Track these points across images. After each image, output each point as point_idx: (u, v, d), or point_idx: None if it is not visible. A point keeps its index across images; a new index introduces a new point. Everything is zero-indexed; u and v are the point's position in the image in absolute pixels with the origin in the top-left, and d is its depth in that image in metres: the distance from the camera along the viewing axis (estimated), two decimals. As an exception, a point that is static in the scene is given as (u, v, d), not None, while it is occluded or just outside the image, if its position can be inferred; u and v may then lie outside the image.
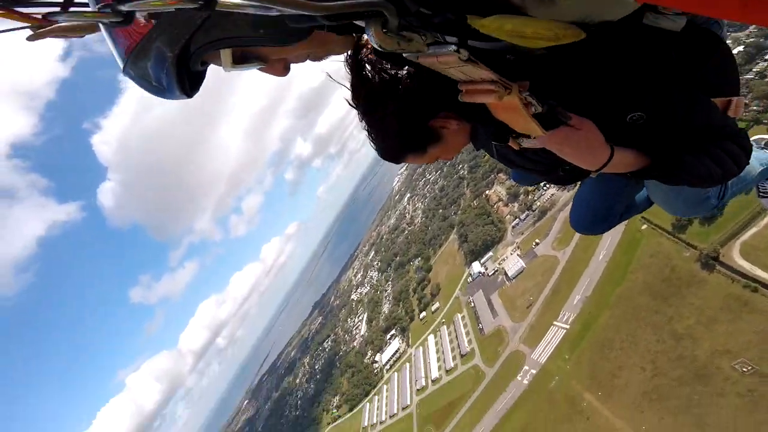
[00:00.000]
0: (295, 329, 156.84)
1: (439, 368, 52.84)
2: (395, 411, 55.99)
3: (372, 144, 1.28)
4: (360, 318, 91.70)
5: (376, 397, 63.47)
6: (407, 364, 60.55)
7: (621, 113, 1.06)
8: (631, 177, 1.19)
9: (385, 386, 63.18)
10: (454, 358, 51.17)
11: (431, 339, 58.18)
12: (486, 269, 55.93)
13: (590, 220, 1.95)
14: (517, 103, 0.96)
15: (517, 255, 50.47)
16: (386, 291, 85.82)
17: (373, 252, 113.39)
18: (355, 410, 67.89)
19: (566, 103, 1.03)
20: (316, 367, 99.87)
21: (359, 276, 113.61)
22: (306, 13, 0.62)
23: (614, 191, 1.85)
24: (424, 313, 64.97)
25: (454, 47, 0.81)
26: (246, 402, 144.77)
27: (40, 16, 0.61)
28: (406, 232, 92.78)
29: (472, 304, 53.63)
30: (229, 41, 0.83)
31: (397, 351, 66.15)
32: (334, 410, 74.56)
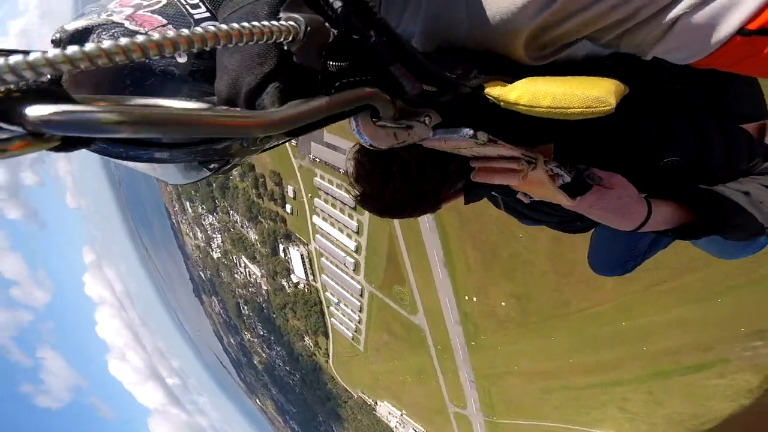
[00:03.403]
0: (208, 324, 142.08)
1: (349, 236, 46.89)
2: (358, 303, 51.50)
3: (367, 208, 1.15)
4: (242, 265, 79.88)
5: (332, 308, 58.29)
6: (323, 258, 53.91)
7: (654, 160, 0.92)
8: (672, 236, 1.04)
9: (329, 294, 57.46)
10: (350, 216, 44.93)
11: (317, 220, 50.79)
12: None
13: (611, 264, 1.77)
14: (542, 177, 0.79)
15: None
16: (236, 221, 72.81)
17: (187, 203, 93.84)
18: (330, 334, 63.24)
19: (589, 154, 0.88)
20: (261, 333, 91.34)
21: (199, 235, 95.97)
22: (248, 136, 0.47)
23: (634, 232, 1.39)
24: (288, 206, 55.70)
25: (469, 131, 0.65)
26: (258, 401, 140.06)
27: None
28: (192, 158, 74.43)
29: (316, 159, 45.65)
30: None
31: (302, 257, 58.54)
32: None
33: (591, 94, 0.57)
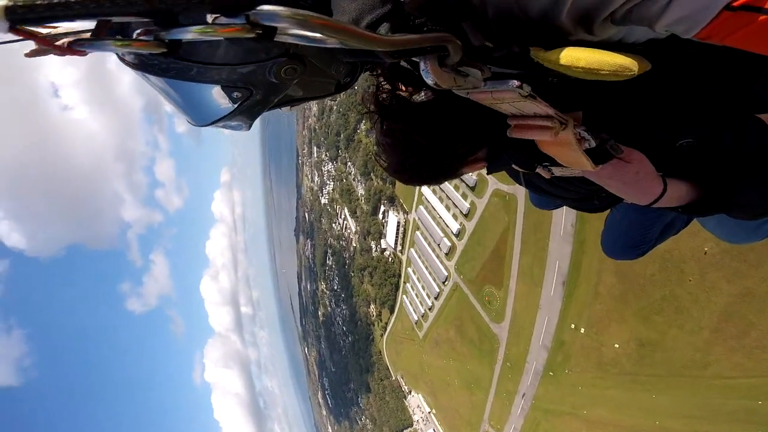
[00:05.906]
0: (295, 265, 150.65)
1: (455, 217, 42.49)
2: (437, 290, 47.48)
3: (388, 169, 1.20)
4: (342, 216, 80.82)
5: (408, 285, 55.09)
6: (417, 233, 50.64)
7: (670, 140, 0.99)
8: (682, 212, 1.09)
9: (410, 270, 54.32)
10: (464, 196, 40.32)
11: (426, 191, 47.12)
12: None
13: (624, 246, 1.81)
14: (571, 138, 0.86)
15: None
16: (350, 173, 73.33)
17: (315, 148, 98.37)
18: (396, 310, 60.44)
19: (611, 130, 0.94)
20: (334, 287, 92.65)
21: (316, 179, 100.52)
22: (370, 49, 0.61)
23: (649, 215, 1.68)
24: (402, 170, 52.79)
25: (516, 82, 0.74)
26: (306, 350, 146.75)
27: (63, 43, 0.55)
28: (335, 107, 76.54)
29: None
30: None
31: (398, 225, 55.84)
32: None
33: (618, 62, 0.70)
